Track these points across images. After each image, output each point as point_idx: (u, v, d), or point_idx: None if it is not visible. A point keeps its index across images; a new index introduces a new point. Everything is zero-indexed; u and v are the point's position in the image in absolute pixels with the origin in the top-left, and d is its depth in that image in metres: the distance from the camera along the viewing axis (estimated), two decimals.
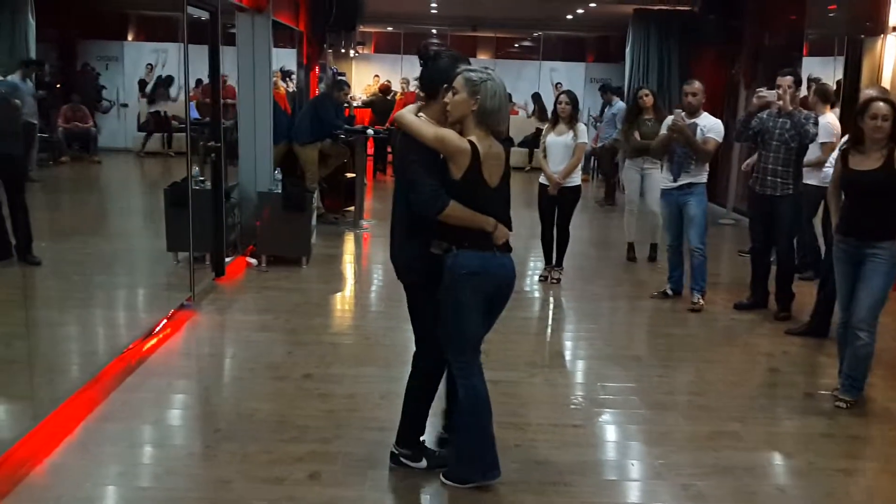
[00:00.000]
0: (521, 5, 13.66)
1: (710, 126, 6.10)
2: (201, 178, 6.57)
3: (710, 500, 3.42)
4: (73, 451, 3.64)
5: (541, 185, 6.79)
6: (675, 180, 6.17)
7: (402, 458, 3.53)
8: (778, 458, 3.94)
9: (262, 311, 5.92)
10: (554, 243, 6.89)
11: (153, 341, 5.07)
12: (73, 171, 6.52)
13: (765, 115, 5.82)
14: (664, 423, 4.17)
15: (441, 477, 3.44)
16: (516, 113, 14.84)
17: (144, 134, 8.09)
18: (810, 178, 6.26)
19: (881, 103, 4.26)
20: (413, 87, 14.23)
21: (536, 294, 6.69)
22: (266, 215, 7.11)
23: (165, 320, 5.40)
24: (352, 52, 16.65)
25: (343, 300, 6.65)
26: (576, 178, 6.71)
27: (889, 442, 4.10)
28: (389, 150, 12.22)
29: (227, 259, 6.79)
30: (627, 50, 12.61)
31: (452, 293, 3.24)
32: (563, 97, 6.73)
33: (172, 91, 8.06)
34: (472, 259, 3.22)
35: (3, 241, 4.92)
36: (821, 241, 6.32)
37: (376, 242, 8.32)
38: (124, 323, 5.90)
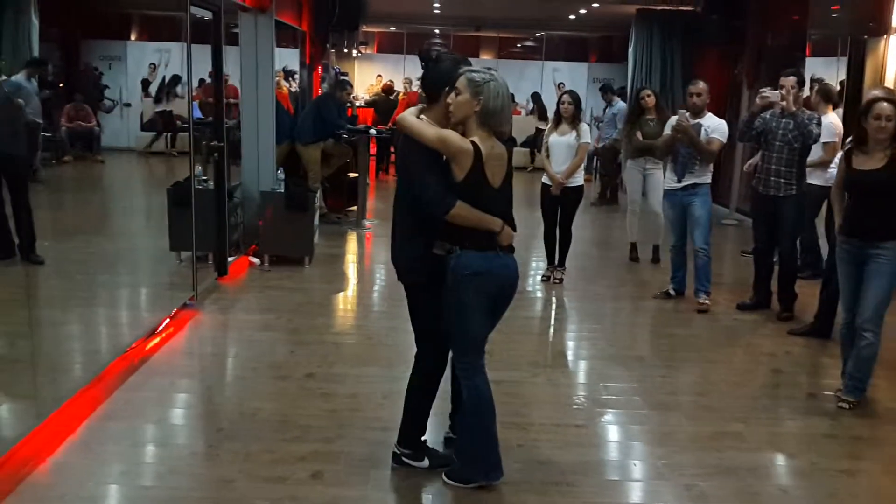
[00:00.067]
0: (523, 5, 13.66)
1: (714, 126, 6.10)
2: (204, 178, 6.57)
3: (712, 500, 3.42)
4: (75, 450, 3.64)
5: (543, 185, 6.79)
6: (679, 181, 6.16)
7: (403, 458, 3.53)
8: (781, 459, 3.94)
9: (264, 310, 5.92)
10: (556, 243, 6.89)
11: (156, 340, 5.08)
12: (76, 170, 6.52)
13: (768, 116, 5.81)
14: (667, 423, 4.16)
15: (443, 476, 3.44)
16: (519, 113, 14.83)
17: (154, 133, 8.08)
18: (813, 178, 6.25)
19: (885, 104, 4.26)
20: (416, 86, 14.22)
21: (539, 294, 6.69)
22: (269, 215, 7.11)
23: (168, 319, 5.41)
24: (354, 52, 16.66)
25: (345, 300, 6.65)
26: (578, 178, 6.71)
27: (892, 443, 4.10)
28: (392, 150, 12.22)
29: (230, 258, 6.80)
30: (630, 50, 12.59)
31: (456, 294, 3.23)
32: (565, 97, 6.73)
33: (180, 90, 8.07)
34: (475, 259, 3.21)
35: (6, 241, 4.92)
36: (823, 241, 6.31)
37: (379, 242, 8.32)
38: (127, 322, 5.90)
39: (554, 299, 6.63)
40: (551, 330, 6.07)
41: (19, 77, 4.95)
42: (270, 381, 4.55)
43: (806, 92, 6.35)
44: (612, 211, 10.75)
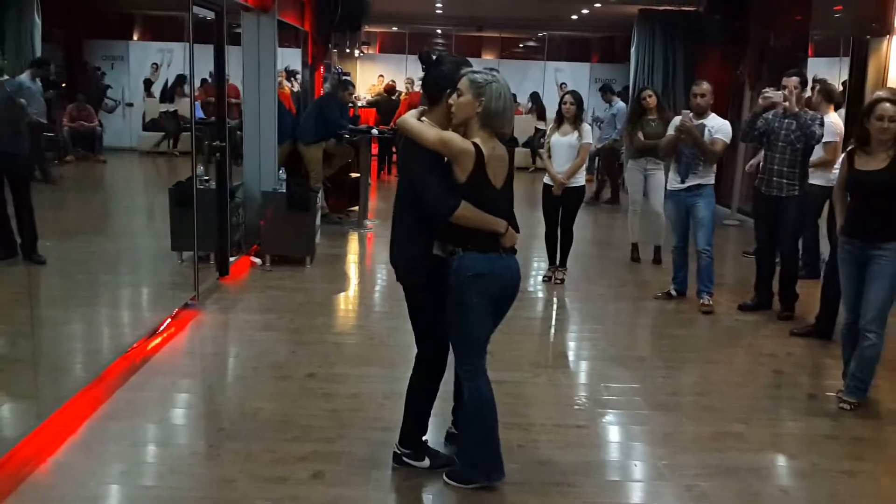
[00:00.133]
0: (525, 5, 13.66)
1: (717, 127, 6.09)
2: (206, 178, 6.58)
3: (713, 501, 3.42)
4: (76, 450, 3.65)
5: (545, 185, 6.79)
6: (682, 181, 6.16)
7: (404, 458, 3.53)
8: (782, 460, 3.93)
9: (265, 310, 5.92)
10: (558, 244, 6.89)
11: (157, 340, 5.08)
12: (79, 170, 6.52)
13: (770, 116, 5.81)
14: (668, 423, 4.16)
15: (444, 477, 3.44)
16: (520, 113, 14.83)
17: (163, 133, 8.07)
18: (814, 179, 6.25)
19: (888, 104, 4.25)
20: (418, 87, 14.23)
21: (540, 294, 6.68)
22: (270, 215, 7.11)
23: (169, 319, 5.41)
24: (356, 52, 16.68)
25: (347, 300, 6.66)
26: (580, 179, 6.70)
27: (894, 444, 4.09)
28: (394, 150, 12.23)
29: (232, 258, 6.80)
30: (632, 50, 12.60)
31: (458, 295, 3.23)
32: (567, 97, 6.73)
33: (187, 90, 8.06)
34: (477, 261, 3.21)
35: (8, 240, 4.93)
36: (824, 241, 6.30)
37: (380, 242, 8.32)
38: (128, 322, 5.90)
39: (555, 299, 6.63)
40: (552, 330, 6.06)
41: (24, 77, 4.96)
42: (271, 381, 4.55)
43: (808, 92, 6.34)
44: (613, 211, 10.75)
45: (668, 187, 6.46)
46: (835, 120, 6.58)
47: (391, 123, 11.70)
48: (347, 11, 11.17)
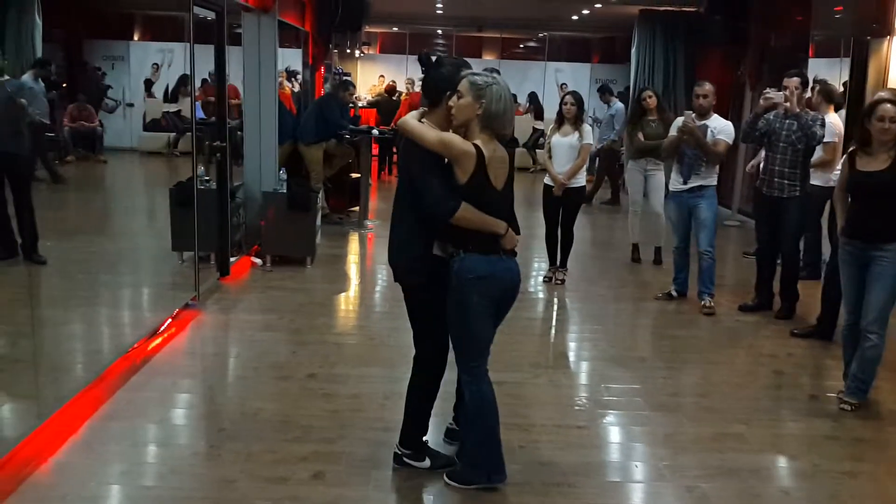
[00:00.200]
0: (526, 6, 13.65)
1: (720, 128, 6.09)
2: (206, 178, 6.58)
3: (714, 501, 3.41)
4: (77, 450, 3.65)
5: (545, 185, 6.79)
6: (685, 182, 6.16)
7: (405, 458, 3.53)
8: (782, 461, 3.93)
9: (266, 310, 5.92)
10: (558, 244, 6.89)
11: (158, 340, 5.08)
12: (79, 170, 6.53)
13: (771, 117, 5.81)
14: (668, 424, 4.16)
15: (445, 477, 3.44)
16: (521, 113, 14.82)
17: (174, 134, 8.05)
18: (814, 179, 6.24)
19: (889, 105, 4.25)
20: (418, 87, 14.23)
21: (541, 295, 6.68)
22: (271, 215, 7.11)
23: (170, 320, 5.41)
24: (357, 53, 16.67)
25: (347, 300, 6.66)
26: (580, 179, 6.71)
27: (894, 445, 4.09)
28: (394, 150, 12.23)
29: (232, 259, 6.80)
30: (633, 51, 12.59)
31: (459, 297, 3.23)
32: (568, 98, 6.73)
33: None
34: (478, 263, 3.21)
35: (8, 240, 4.93)
36: (825, 242, 6.30)
37: (380, 243, 8.31)
38: (129, 322, 5.90)
39: (555, 300, 6.63)
40: (553, 331, 6.06)
41: (27, 77, 4.96)
42: (272, 382, 4.55)
43: (808, 93, 6.34)
44: (614, 212, 10.75)
45: (671, 188, 6.46)
46: (834, 120, 6.57)
47: (392, 124, 11.70)
48: (348, 12, 11.17)
